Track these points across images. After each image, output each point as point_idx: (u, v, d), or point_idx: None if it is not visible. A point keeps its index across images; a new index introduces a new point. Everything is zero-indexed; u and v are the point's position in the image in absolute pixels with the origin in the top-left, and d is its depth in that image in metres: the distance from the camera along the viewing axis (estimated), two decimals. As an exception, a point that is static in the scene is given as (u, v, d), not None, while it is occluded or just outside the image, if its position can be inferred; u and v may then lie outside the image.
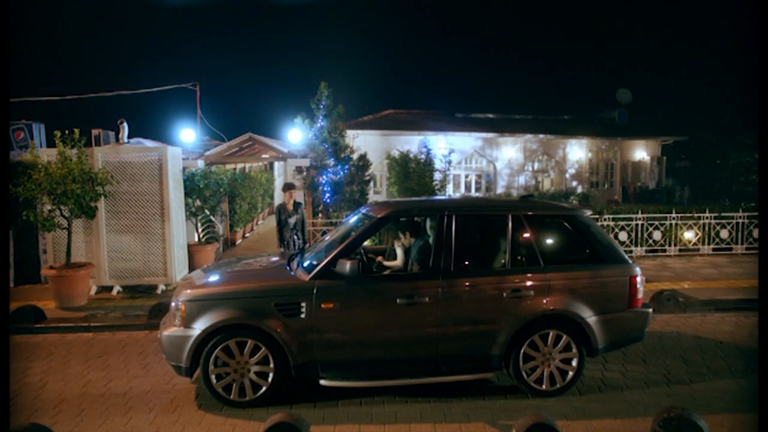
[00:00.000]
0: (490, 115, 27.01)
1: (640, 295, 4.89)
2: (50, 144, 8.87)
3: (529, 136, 24.15)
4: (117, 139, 9.02)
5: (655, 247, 11.09)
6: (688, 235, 11.13)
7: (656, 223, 11.04)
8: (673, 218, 11.05)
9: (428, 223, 5.57)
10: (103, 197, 7.94)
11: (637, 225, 10.98)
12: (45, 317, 6.98)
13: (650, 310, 5.01)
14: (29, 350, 6.14)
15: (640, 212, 11.08)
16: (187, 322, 4.47)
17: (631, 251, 10.85)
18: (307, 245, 7.89)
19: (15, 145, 9.41)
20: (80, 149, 7.73)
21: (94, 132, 9.16)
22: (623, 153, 25.82)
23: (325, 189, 12.17)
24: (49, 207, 7.57)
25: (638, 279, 4.85)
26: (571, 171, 24.93)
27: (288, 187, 8.00)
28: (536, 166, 24.83)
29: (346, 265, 4.44)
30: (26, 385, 5.11)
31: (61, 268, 7.68)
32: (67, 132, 7.69)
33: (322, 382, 4.52)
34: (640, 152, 25.92)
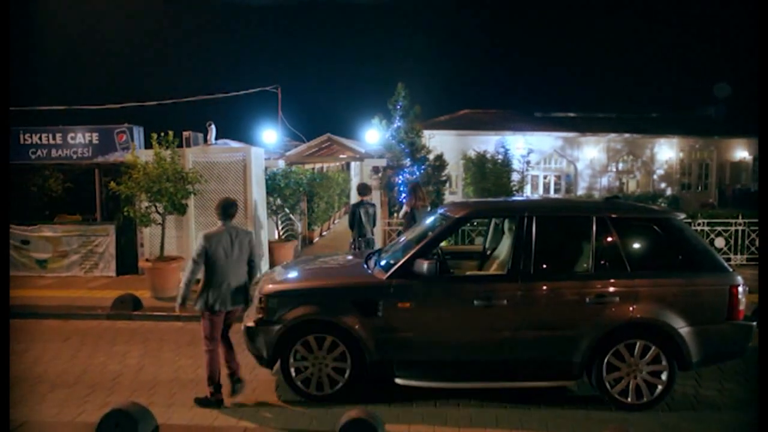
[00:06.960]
0: (571, 114, 26.02)
1: (741, 307, 4.50)
2: (147, 145, 9.56)
3: (612, 135, 23.01)
4: (205, 140, 9.58)
5: (758, 256, 10.16)
6: (798, 242, 10.10)
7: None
8: (780, 224, 10.06)
9: (506, 224, 5.45)
10: (192, 195, 8.45)
11: (736, 231, 10.13)
12: (142, 305, 7.55)
13: (754, 323, 4.60)
14: (129, 335, 6.67)
15: (740, 216, 10.20)
16: (269, 316, 4.66)
17: (729, 259, 10.01)
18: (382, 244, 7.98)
19: (118, 147, 10.23)
20: (174, 150, 8.27)
21: (185, 134, 9.75)
22: (720, 152, 23.91)
23: (401, 189, 12.23)
24: (146, 204, 8.17)
25: (740, 289, 4.47)
26: (660, 172, 23.45)
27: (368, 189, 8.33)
28: (620, 166, 23.60)
29: (424, 265, 4.43)
30: (126, 367, 5.57)
31: (155, 260, 8.27)
32: (162, 134, 8.25)
33: (398, 380, 4.55)
34: (741, 151, 23.89)
